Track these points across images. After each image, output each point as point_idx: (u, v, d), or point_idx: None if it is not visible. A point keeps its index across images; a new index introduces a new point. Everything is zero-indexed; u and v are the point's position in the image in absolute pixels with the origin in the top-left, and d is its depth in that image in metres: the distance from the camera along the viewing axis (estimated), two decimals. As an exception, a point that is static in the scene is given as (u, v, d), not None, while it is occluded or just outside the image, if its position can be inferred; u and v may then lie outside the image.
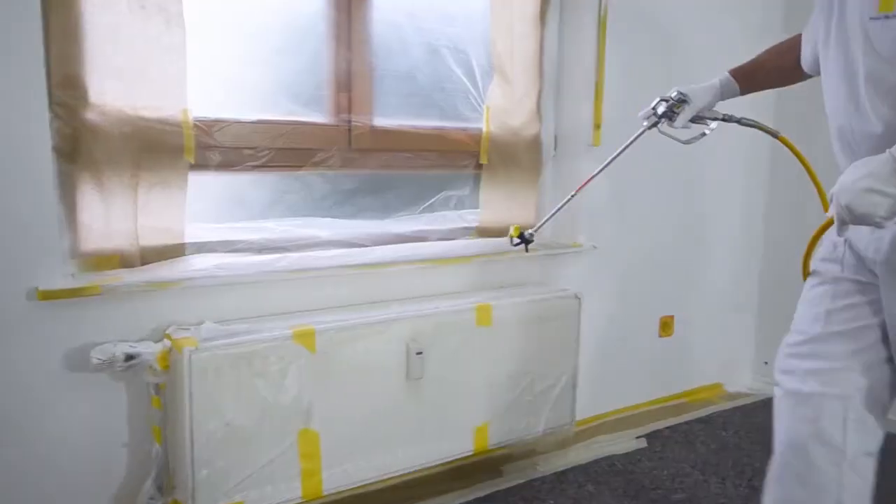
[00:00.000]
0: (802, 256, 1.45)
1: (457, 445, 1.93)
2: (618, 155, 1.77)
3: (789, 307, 2.91)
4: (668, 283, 2.62)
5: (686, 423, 2.57)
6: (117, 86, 1.51)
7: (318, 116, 1.86)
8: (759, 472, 2.19)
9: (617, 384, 2.53)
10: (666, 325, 2.65)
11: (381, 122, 1.95)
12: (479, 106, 2.13)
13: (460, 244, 2.10)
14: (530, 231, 1.77)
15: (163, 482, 1.58)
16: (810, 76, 1.49)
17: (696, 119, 1.64)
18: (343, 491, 1.79)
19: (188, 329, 1.57)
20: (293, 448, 1.64)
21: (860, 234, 1.25)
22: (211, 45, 1.67)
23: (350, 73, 1.88)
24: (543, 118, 2.28)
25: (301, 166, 1.85)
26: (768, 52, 1.59)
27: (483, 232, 2.20)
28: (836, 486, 1.24)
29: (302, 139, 1.83)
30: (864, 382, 1.24)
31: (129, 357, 1.47)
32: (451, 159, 2.12)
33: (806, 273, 1.46)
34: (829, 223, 1.23)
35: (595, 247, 2.33)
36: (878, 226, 1.08)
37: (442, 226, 2.13)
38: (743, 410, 2.71)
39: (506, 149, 2.18)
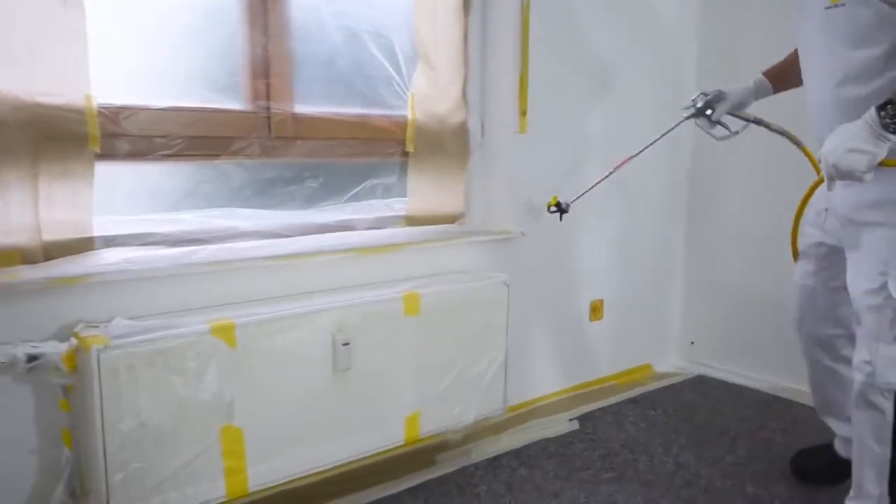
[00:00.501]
0: (793, 222, 1.73)
1: (387, 436, 1.91)
2: (656, 141, 2.03)
3: (713, 288, 3.02)
4: (597, 267, 2.67)
5: (616, 404, 2.62)
6: (12, 71, 1.42)
7: (235, 103, 1.80)
8: (686, 448, 2.26)
9: (548, 369, 2.56)
10: (596, 310, 2.69)
11: (301, 109, 1.90)
12: (404, 93, 2.11)
13: (387, 233, 2.08)
14: (567, 202, 2.12)
15: (75, 488, 1.51)
16: None
17: (733, 114, 1.85)
18: (271, 487, 1.74)
19: (97, 327, 1.49)
20: (215, 446, 1.59)
21: (836, 195, 1.50)
22: (115, 27, 1.59)
23: (267, 59, 1.82)
24: (469, 106, 2.27)
25: (218, 155, 1.79)
26: (794, 51, 1.79)
27: (411, 220, 2.18)
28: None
29: (218, 127, 1.76)
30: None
31: (32, 358, 1.39)
32: (377, 147, 2.09)
33: (795, 245, 1.82)
34: (817, 184, 1.53)
35: (524, 233, 2.34)
36: (860, 179, 1.31)
37: (369, 215, 2.10)
38: (671, 389, 2.78)
39: (432, 136, 2.17)
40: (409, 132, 2.13)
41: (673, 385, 2.83)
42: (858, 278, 1.52)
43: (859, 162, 1.30)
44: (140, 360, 1.45)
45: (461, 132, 2.24)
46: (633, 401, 2.66)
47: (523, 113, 2.29)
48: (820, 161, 1.39)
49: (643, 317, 2.88)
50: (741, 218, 2.81)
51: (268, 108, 1.84)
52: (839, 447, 1.97)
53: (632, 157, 2.04)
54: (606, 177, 2.03)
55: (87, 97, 1.52)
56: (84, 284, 1.51)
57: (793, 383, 2.68)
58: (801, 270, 1.82)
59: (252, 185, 1.88)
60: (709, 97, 1.84)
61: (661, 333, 3.00)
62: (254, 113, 1.83)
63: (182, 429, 1.53)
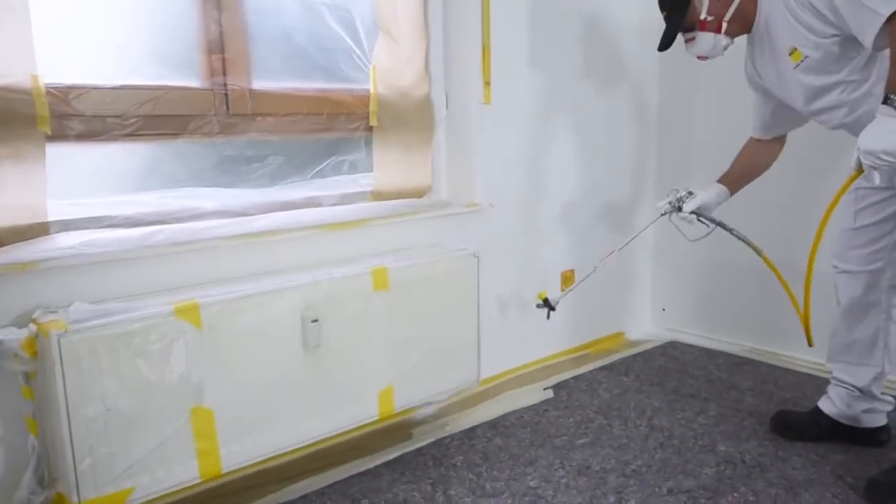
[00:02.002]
0: (823, 216, 1.78)
1: (361, 411, 1.91)
2: (637, 235, 2.28)
3: (682, 255, 3.05)
4: (568, 237, 2.68)
5: (590, 371, 2.65)
6: (-49, 51, 1.38)
7: (191, 80, 1.76)
8: (659, 411, 2.29)
9: (521, 340, 2.57)
10: (567, 279, 2.71)
11: (259, 85, 1.87)
12: (365, 66, 2.08)
13: (354, 209, 2.06)
14: (555, 299, 2.23)
15: (43, 475, 1.49)
16: (765, 140, 2.05)
17: (700, 215, 2.04)
18: (245, 467, 1.74)
19: (56, 312, 1.46)
20: (186, 428, 1.57)
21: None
22: (60, 4, 1.54)
23: (221, 34, 1.78)
24: (433, 77, 2.25)
25: (176, 134, 1.75)
26: (738, 155, 2.10)
27: (378, 195, 2.16)
28: (883, 332, 1.92)
29: (174, 105, 1.73)
30: (893, 256, 1.85)
31: (-10, 345, 1.36)
32: (340, 122, 2.07)
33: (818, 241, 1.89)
34: (855, 178, 1.63)
35: (492, 205, 2.34)
36: None
37: (335, 191, 2.08)
38: (643, 356, 2.82)
39: (396, 110, 2.15)
40: (372, 106, 2.10)
41: (645, 351, 2.87)
42: None
43: None
44: (102, 343, 1.43)
45: (425, 105, 2.22)
46: (606, 368, 2.69)
47: (487, 83, 2.28)
48: (857, 162, 1.57)
49: (615, 285, 2.90)
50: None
51: (225, 85, 1.81)
52: (825, 405, 2.03)
53: (618, 250, 2.26)
54: (593, 271, 2.25)
55: (34, 77, 1.48)
56: (41, 269, 1.48)
57: (761, 345, 2.73)
58: (843, 212, 1.92)
59: (213, 164, 1.85)
60: (680, 194, 2.04)
61: (632, 301, 3.03)
62: (210, 90, 1.80)
63: (150, 412, 1.51)
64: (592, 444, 2.09)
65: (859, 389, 1.95)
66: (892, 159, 1.51)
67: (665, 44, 1.87)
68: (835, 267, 1.96)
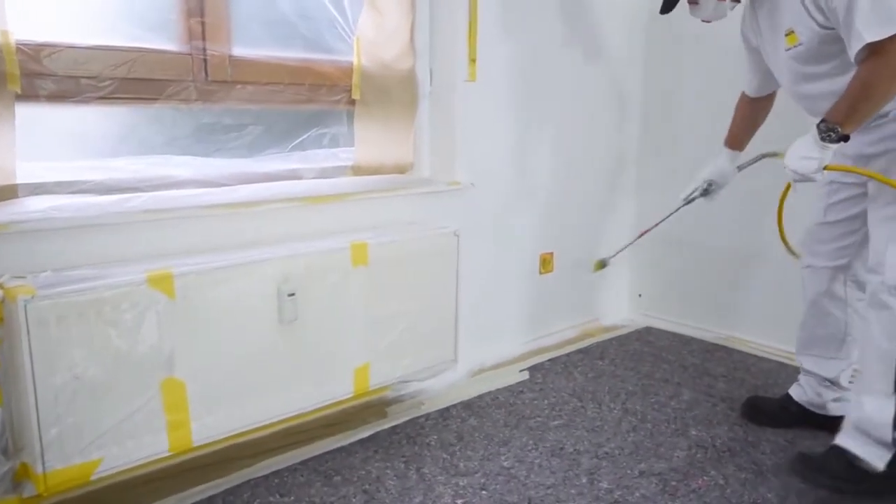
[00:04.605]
0: (776, 222, 2.00)
1: (336, 388, 1.89)
2: (661, 222, 2.30)
3: (660, 243, 3.05)
4: (547, 220, 2.67)
5: (566, 354, 2.66)
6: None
7: (168, 44, 1.71)
8: (633, 395, 2.30)
9: (498, 321, 2.57)
10: (546, 262, 2.71)
11: (240, 51, 1.82)
12: (349, 37, 2.04)
13: (333, 183, 2.03)
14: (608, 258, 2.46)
15: (7, 444, 1.44)
16: (760, 97, 2.05)
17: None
18: (217, 441, 1.71)
19: (24, 277, 1.41)
20: (157, 399, 1.54)
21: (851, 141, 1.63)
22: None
23: (202, -4, 1.73)
24: (417, 52, 2.21)
25: (152, 99, 1.70)
26: (735, 113, 2.10)
27: (359, 170, 2.13)
28: (844, 324, 1.94)
29: (151, 69, 1.67)
30: (859, 253, 1.86)
31: (-48, 309, 1.31)
32: (321, 94, 2.02)
33: (784, 237, 2.16)
34: (787, 190, 1.97)
35: (473, 185, 2.32)
36: (812, 179, 1.61)
37: (315, 164, 2.04)
38: (619, 340, 2.83)
39: (379, 83, 2.11)
40: (355, 79, 2.06)
41: (621, 336, 2.88)
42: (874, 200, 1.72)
43: (810, 166, 1.58)
44: (71, 310, 1.39)
45: (409, 79, 2.18)
46: (582, 351, 2.70)
47: (473, 61, 2.24)
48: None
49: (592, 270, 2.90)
50: (687, 173, 2.83)
51: (204, 50, 1.75)
52: (795, 392, 2.06)
53: (656, 225, 2.33)
54: (634, 241, 2.41)
55: (4, 33, 1.42)
56: (9, 233, 1.43)
57: (735, 332, 2.76)
58: (814, 206, 1.97)
59: (190, 131, 1.80)
60: (706, 184, 2.10)
61: (609, 286, 3.04)
62: (189, 55, 1.74)
63: (120, 382, 1.47)
64: (566, 425, 2.09)
65: (828, 380, 1.98)
66: (797, 177, 1.62)
67: (667, 7, 1.82)
68: (801, 261, 2.01)
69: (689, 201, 2.14)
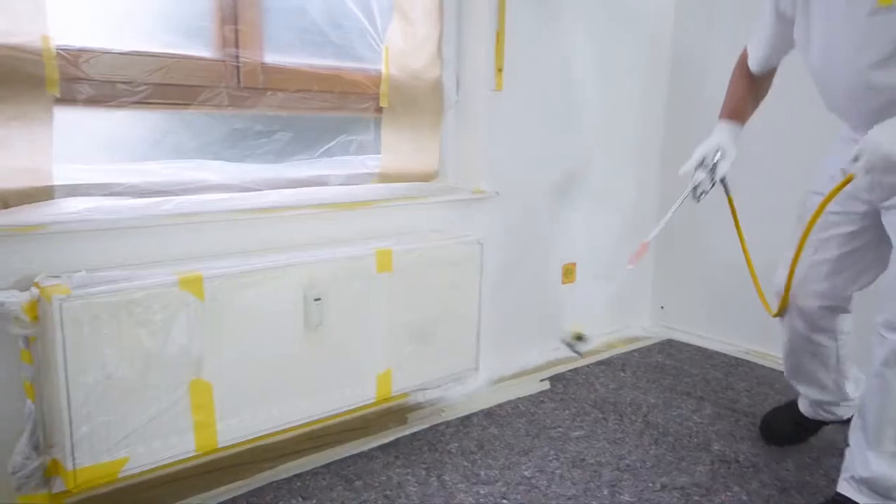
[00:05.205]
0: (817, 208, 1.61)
1: (359, 393, 1.90)
2: (675, 210, 1.88)
3: (683, 253, 3.04)
4: (570, 230, 2.67)
5: (587, 365, 2.65)
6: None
7: (203, 50, 1.74)
8: (654, 408, 2.29)
9: (520, 330, 2.57)
10: (568, 272, 2.70)
11: (272, 59, 1.85)
12: (378, 46, 2.06)
13: (360, 189, 2.04)
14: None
15: (39, 441, 1.47)
16: (762, 74, 1.80)
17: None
18: (241, 443, 1.73)
19: (59, 277, 1.45)
20: (184, 400, 1.56)
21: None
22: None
23: (236, 4, 1.75)
24: (445, 61, 2.23)
25: (185, 104, 1.73)
26: (734, 85, 1.84)
27: (385, 177, 2.15)
28: (834, 351, 1.82)
29: (185, 74, 1.70)
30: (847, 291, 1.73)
31: (-9, 307, 1.34)
32: (350, 101, 2.05)
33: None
34: (846, 183, 1.46)
35: (498, 193, 2.33)
36: None
37: (342, 171, 2.06)
38: (640, 352, 2.82)
39: (407, 92, 2.13)
40: (383, 87, 2.08)
41: (642, 348, 2.87)
42: None
43: None
44: (104, 310, 1.41)
45: (436, 88, 2.20)
46: (603, 363, 2.69)
47: (499, 70, 2.26)
48: (856, 159, 1.35)
49: (615, 281, 2.89)
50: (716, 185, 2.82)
51: (237, 57, 1.78)
52: (803, 406, 2.02)
53: (673, 211, 1.90)
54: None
55: (45, 38, 1.45)
56: (45, 233, 1.46)
57: (758, 346, 2.74)
58: (810, 244, 1.73)
59: (221, 136, 1.83)
60: (716, 158, 1.76)
61: (631, 298, 3.03)
62: (222, 61, 1.77)
63: (149, 382, 1.49)
64: (588, 436, 2.09)
65: (826, 402, 1.93)
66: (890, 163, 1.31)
67: None
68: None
69: (696, 190, 1.79)
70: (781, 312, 1.85)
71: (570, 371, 2.58)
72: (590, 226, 2.73)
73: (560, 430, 2.12)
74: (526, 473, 1.86)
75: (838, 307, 1.77)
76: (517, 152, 2.40)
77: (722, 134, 1.78)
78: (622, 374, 2.58)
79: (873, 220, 1.64)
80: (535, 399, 2.34)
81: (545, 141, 2.49)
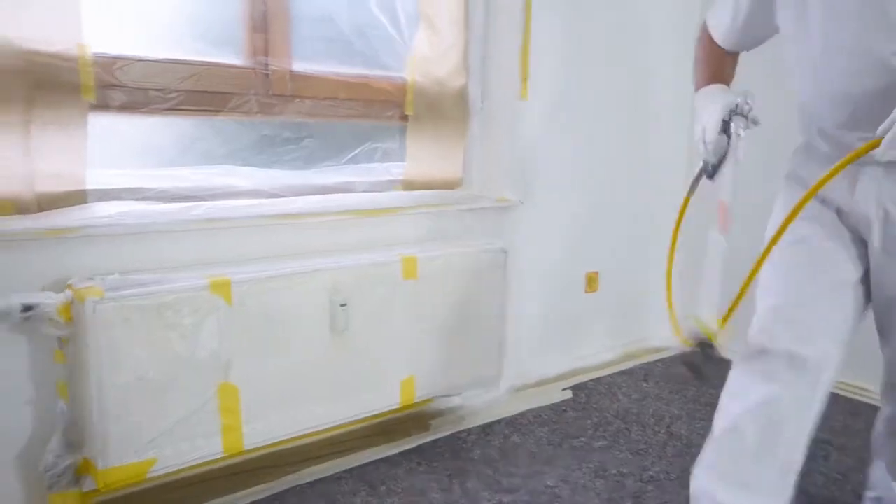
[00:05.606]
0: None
1: (383, 399, 1.91)
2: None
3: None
4: (594, 239, 2.66)
5: (610, 375, 2.63)
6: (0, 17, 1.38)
7: (233, 58, 1.76)
8: (677, 419, 2.27)
9: (542, 339, 2.56)
10: (591, 281, 2.69)
11: (300, 66, 1.87)
12: (404, 54, 2.07)
13: (386, 196, 2.05)
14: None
15: (70, 439, 1.50)
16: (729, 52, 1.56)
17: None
18: (266, 446, 1.74)
19: (93, 279, 1.47)
20: (212, 402, 1.58)
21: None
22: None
23: (266, 13, 1.78)
24: (470, 70, 2.24)
25: (215, 111, 1.75)
26: (706, 56, 1.58)
27: (409, 185, 2.16)
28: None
29: (215, 82, 1.73)
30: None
31: (27, 308, 1.37)
32: (376, 109, 2.06)
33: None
34: (872, 146, 1.16)
35: (522, 202, 2.33)
36: None
37: (367, 178, 2.07)
38: (663, 363, 2.80)
39: (432, 100, 2.14)
40: (409, 95, 2.10)
41: (665, 359, 2.84)
42: None
43: None
44: (136, 313, 1.44)
45: (461, 96, 2.21)
46: (626, 372, 2.67)
47: (525, 79, 2.26)
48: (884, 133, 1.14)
49: (638, 290, 2.88)
50: (741, 193, 2.80)
51: (266, 65, 1.81)
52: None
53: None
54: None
55: (81, 46, 1.49)
56: (79, 236, 1.49)
57: (784, 358, 2.70)
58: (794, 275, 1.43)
59: (250, 143, 1.85)
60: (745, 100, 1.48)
61: (655, 308, 3.00)
62: (252, 69, 1.80)
63: (179, 384, 1.52)
64: (610, 447, 2.07)
65: None
66: None
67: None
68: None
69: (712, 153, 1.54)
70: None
71: (592, 381, 2.57)
72: (613, 235, 2.72)
73: (582, 439, 2.11)
74: (549, 483, 1.86)
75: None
76: (541, 161, 2.40)
77: (719, 91, 1.51)
78: (645, 385, 2.56)
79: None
80: (558, 408, 2.33)
81: (569, 150, 2.49)
